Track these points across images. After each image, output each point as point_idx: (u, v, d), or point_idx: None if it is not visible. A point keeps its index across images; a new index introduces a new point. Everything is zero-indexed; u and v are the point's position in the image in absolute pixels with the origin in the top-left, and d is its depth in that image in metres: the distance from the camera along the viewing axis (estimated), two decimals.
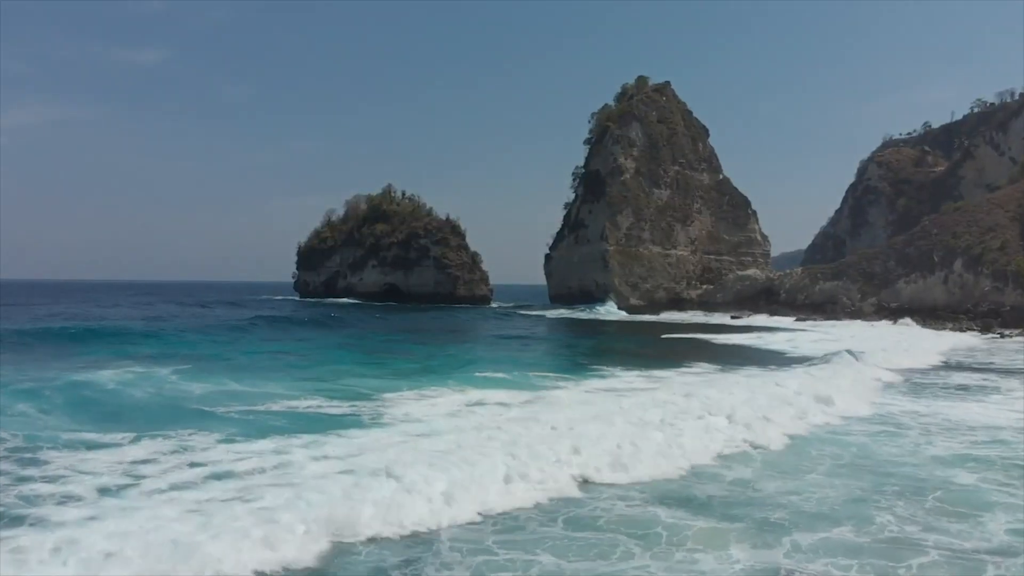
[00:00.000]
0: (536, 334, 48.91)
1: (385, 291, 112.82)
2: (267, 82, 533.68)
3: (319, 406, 17.78)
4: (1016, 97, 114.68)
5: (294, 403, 18.01)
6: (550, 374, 25.07)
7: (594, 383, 23.09)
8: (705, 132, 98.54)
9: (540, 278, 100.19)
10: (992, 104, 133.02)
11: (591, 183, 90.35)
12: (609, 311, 78.14)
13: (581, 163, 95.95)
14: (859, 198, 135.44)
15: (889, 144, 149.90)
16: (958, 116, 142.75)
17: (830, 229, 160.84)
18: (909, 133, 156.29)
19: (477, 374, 24.36)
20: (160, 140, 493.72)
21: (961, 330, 52.73)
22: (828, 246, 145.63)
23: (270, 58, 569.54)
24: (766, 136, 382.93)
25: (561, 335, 51.61)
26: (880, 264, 72.19)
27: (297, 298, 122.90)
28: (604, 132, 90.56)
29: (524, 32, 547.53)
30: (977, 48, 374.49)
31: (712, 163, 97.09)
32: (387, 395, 19.49)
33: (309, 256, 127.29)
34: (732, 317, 74.85)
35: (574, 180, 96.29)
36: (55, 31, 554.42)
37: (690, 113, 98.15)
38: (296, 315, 60.25)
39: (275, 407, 17.46)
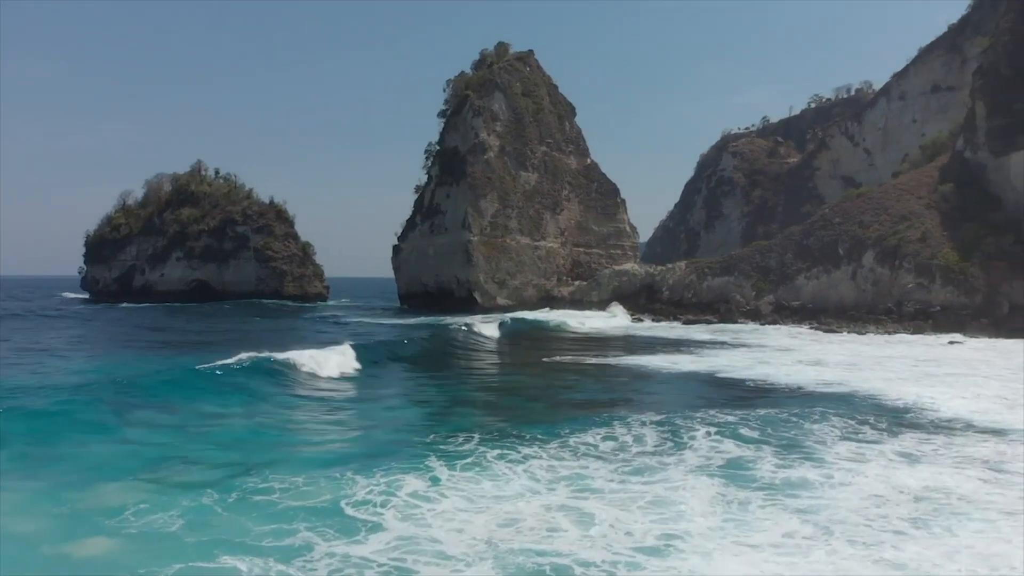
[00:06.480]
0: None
1: (193, 289, 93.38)
2: (77, 58, 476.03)
3: None
4: (872, 89, 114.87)
5: None
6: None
7: None
8: (571, 111, 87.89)
9: (388, 271, 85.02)
10: (828, 100, 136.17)
11: (448, 162, 76.72)
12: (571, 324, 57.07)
13: (435, 139, 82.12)
14: (713, 189, 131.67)
15: (730, 138, 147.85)
16: (796, 111, 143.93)
17: (670, 223, 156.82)
18: (747, 128, 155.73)
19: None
20: None
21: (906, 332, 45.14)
22: (676, 239, 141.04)
23: (82, 31, 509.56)
24: (593, 130, 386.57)
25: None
26: (775, 257, 64.44)
27: (86, 298, 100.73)
28: (463, 103, 77.07)
29: None
30: (798, 50, 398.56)
31: (579, 145, 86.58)
32: None
33: (99, 247, 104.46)
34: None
35: (427, 159, 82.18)
36: None
37: (556, 88, 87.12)
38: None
39: None
